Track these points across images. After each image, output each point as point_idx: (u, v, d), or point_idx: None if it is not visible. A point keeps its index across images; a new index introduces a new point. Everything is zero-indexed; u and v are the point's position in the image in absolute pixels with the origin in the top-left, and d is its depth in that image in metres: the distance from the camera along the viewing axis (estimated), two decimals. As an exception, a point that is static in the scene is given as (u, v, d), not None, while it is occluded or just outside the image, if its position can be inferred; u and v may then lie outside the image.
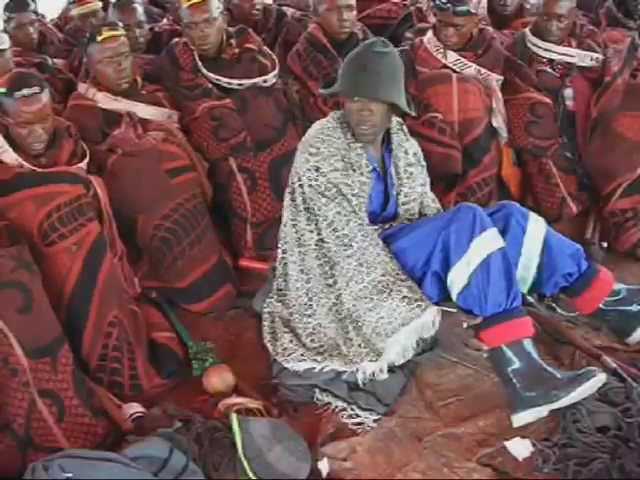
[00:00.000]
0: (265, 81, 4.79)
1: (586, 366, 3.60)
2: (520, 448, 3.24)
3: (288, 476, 3.17)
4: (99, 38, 4.44)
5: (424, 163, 3.98)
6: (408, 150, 3.86)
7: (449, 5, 4.85)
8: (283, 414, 3.55)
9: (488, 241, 3.44)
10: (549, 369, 3.37)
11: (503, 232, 3.61)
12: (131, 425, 3.52)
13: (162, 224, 4.22)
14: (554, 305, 4.09)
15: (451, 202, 4.80)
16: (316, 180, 3.66)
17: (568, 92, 5.08)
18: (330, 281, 3.68)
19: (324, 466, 3.24)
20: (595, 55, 5.09)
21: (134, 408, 3.61)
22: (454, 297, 3.53)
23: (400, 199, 3.82)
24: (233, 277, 4.43)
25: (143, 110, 4.60)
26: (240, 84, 4.76)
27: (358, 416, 3.47)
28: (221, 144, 4.60)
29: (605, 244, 4.71)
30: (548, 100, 5.01)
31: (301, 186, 3.70)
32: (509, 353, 3.39)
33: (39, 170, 3.88)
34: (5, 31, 5.63)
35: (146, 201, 4.23)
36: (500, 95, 4.97)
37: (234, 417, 3.31)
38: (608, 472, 3.05)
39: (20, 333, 3.32)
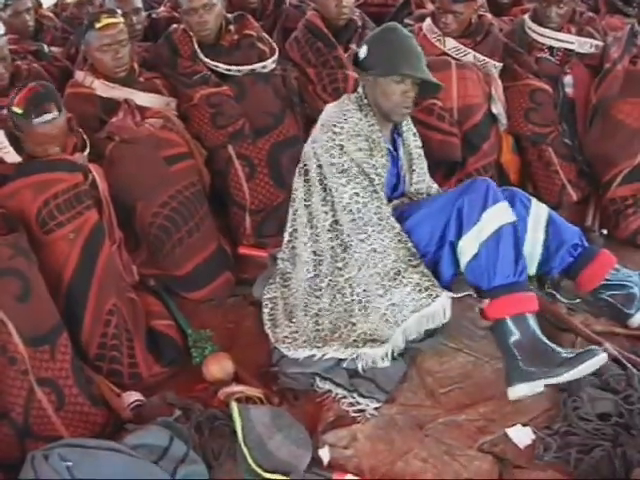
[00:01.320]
0: (264, 67, 4.77)
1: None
2: (521, 435, 3.23)
3: (289, 464, 3.16)
4: (97, 25, 4.42)
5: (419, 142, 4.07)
6: (416, 133, 3.98)
7: None
8: (283, 402, 3.54)
9: (501, 213, 3.49)
10: (552, 345, 3.39)
11: None
12: (130, 414, 3.50)
13: (160, 212, 4.21)
14: (554, 292, 4.08)
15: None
16: (340, 157, 3.67)
17: (568, 79, 5.06)
18: (340, 264, 3.71)
19: (325, 454, 3.23)
20: (595, 42, 5.08)
21: (133, 396, 3.60)
22: (462, 266, 3.57)
23: (413, 179, 3.91)
24: (232, 265, 4.41)
25: (141, 97, 4.58)
26: (239, 70, 4.75)
27: (359, 404, 3.45)
28: (219, 131, 4.59)
29: (605, 231, 4.69)
30: (547, 87, 5.00)
31: (320, 166, 3.73)
32: (512, 326, 3.42)
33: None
34: (1, 18, 5.61)
35: (144, 188, 4.21)
36: (499, 82, 4.97)
37: (234, 405, 3.30)
38: (610, 459, 3.04)
39: (18, 321, 3.30)
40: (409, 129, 3.96)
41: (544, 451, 3.13)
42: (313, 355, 3.61)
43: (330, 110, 3.83)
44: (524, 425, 3.28)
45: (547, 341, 3.41)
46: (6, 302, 3.29)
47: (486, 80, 4.91)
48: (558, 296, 4.07)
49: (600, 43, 5.08)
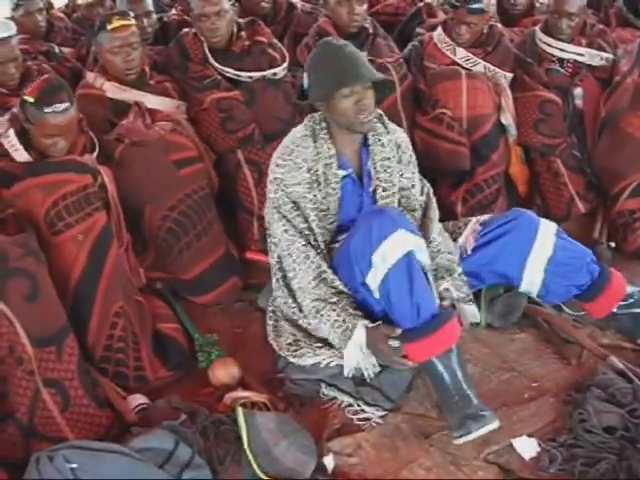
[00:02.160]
0: (275, 74, 4.78)
1: (594, 365, 3.64)
2: (526, 447, 3.23)
3: (294, 471, 3.15)
4: (109, 27, 4.42)
5: (411, 154, 3.88)
6: (386, 143, 3.75)
7: (463, 3, 4.85)
8: (289, 408, 3.54)
9: (391, 250, 3.29)
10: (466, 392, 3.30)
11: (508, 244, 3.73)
12: (136, 417, 3.50)
13: (169, 215, 4.21)
14: (561, 304, 4.08)
15: (459, 199, 4.83)
16: (276, 193, 3.66)
17: (577, 91, 5.08)
18: (286, 293, 3.80)
19: (329, 461, 3.22)
20: (605, 55, 5.10)
21: (139, 399, 3.60)
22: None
23: (378, 194, 3.72)
24: (239, 269, 4.41)
25: (151, 100, 4.59)
26: (249, 77, 4.75)
27: (364, 412, 3.45)
28: (229, 136, 4.59)
29: (613, 244, 4.70)
30: (557, 98, 5.00)
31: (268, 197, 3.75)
32: (439, 366, 3.31)
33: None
34: (13, 18, 5.63)
35: (153, 192, 4.21)
36: (509, 92, 4.97)
37: (240, 410, 3.29)
38: (615, 473, 3.04)
39: (26, 321, 3.30)
40: (377, 141, 3.74)
41: (549, 463, 3.12)
42: (319, 363, 3.60)
43: (286, 138, 3.76)
44: (529, 436, 3.27)
45: (464, 386, 3.31)
46: (15, 302, 3.29)
47: (496, 91, 4.92)
48: (564, 308, 4.06)
49: (610, 56, 5.10)
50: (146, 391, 3.70)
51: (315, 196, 3.64)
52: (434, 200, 3.94)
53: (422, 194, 3.88)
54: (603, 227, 4.83)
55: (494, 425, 3.18)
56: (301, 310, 3.67)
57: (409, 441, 3.32)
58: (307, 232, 3.62)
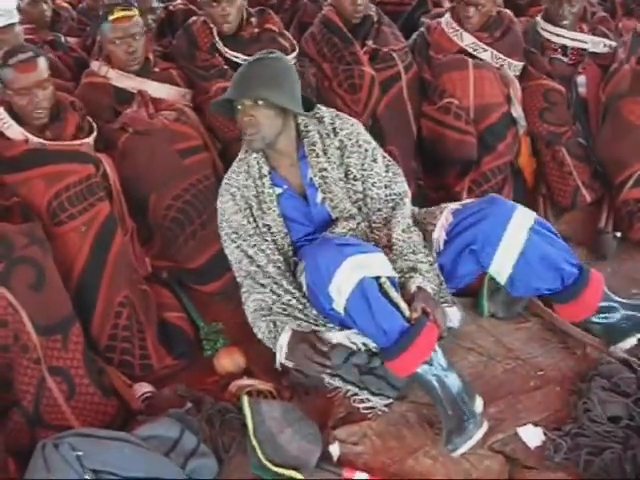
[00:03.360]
0: (284, 62, 4.74)
1: (599, 355, 3.61)
2: (532, 436, 3.23)
3: (299, 459, 3.16)
4: (110, 18, 4.43)
5: (367, 148, 3.74)
6: (322, 152, 3.69)
7: None
8: (294, 397, 3.55)
9: (341, 284, 3.26)
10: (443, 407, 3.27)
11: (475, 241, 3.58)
12: (141, 405, 3.53)
13: (174, 204, 4.21)
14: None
15: (464, 188, 4.80)
16: (221, 223, 3.75)
17: (581, 79, 5.06)
18: None
19: (335, 450, 3.23)
20: (608, 42, 5.09)
21: (144, 388, 3.62)
22: None
23: (329, 206, 3.70)
24: (245, 258, 4.38)
25: (156, 88, 4.59)
26: (259, 63, 4.73)
27: (369, 400, 3.44)
28: (234, 125, 4.53)
29: (619, 234, 4.66)
30: (561, 87, 4.99)
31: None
32: (424, 376, 3.29)
33: (48, 147, 3.90)
34: (19, 8, 5.62)
35: (158, 181, 4.22)
36: (518, 84, 4.95)
37: (245, 399, 3.30)
38: (620, 462, 3.03)
39: (32, 310, 3.33)
40: (312, 151, 3.68)
41: (554, 452, 3.12)
42: None
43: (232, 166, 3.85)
44: (535, 425, 3.27)
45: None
46: (20, 290, 3.31)
47: (504, 82, 4.91)
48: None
49: (613, 43, 5.09)
50: (151, 380, 3.72)
51: (250, 222, 3.68)
52: (404, 192, 3.80)
53: (387, 187, 3.75)
54: (609, 216, 4.79)
55: (479, 433, 3.17)
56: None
57: (415, 430, 3.32)
58: (246, 262, 3.67)
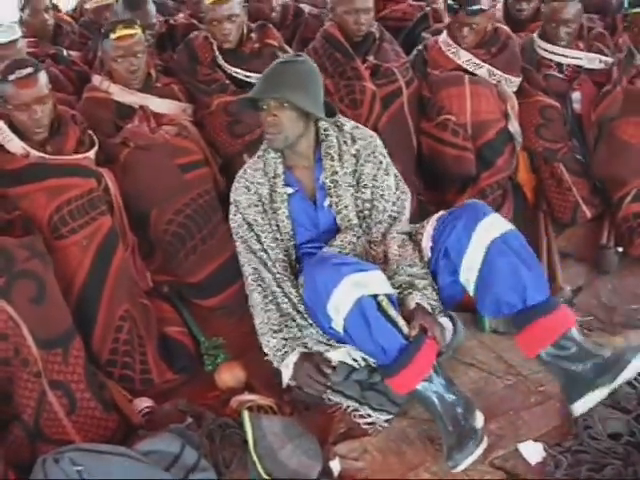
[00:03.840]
0: (285, 78, 4.75)
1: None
2: (532, 452, 3.22)
3: (299, 474, 3.15)
4: (113, 36, 4.43)
5: (382, 160, 3.78)
6: (338, 156, 3.73)
7: (461, 6, 4.88)
8: (295, 412, 3.54)
9: (339, 303, 3.26)
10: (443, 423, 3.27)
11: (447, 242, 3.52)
12: (142, 420, 3.51)
13: (175, 219, 4.21)
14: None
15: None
16: (234, 215, 3.80)
17: (576, 95, 5.09)
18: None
19: (335, 465, 3.22)
20: (604, 58, 5.11)
21: (145, 403, 3.61)
22: None
23: (333, 209, 3.73)
24: (246, 273, 4.38)
25: (157, 103, 4.60)
26: (259, 78, 4.72)
27: (370, 416, 3.45)
28: (236, 140, 4.60)
29: (620, 249, 4.66)
30: (557, 103, 5.02)
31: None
32: (424, 393, 3.29)
33: (50, 161, 3.90)
34: (21, 19, 5.65)
35: (159, 195, 4.22)
36: (515, 100, 4.97)
37: (246, 414, 3.29)
38: (620, 478, 3.02)
39: (32, 323, 3.31)
40: (327, 154, 3.73)
41: (555, 468, 3.11)
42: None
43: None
44: (535, 441, 3.26)
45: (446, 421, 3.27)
46: (21, 304, 3.30)
47: (502, 98, 4.92)
48: (571, 313, 4.07)
49: (609, 59, 5.11)
50: (152, 394, 3.71)
51: (263, 218, 3.73)
52: (406, 212, 3.83)
53: (394, 203, 3.78)
54: (610, 232, 4.80)
55: (479, 450, 3.16)
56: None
57: (415, 445, 3.32)
58: (261, 253, 3.71)
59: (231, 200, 3.83)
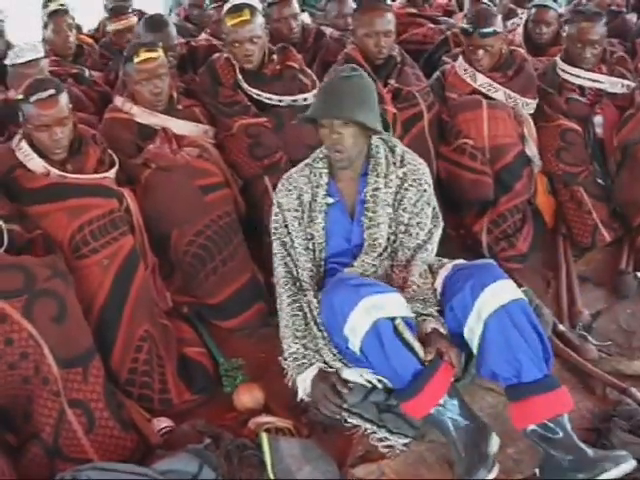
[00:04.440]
0: (305, 99, 4.77)
1: (618, 395, 3.62)
2: (550, 477, 3.21)
3: (317, 496, 3.15)
4: (136, 60, 4.45)
5: (425, 189, 3.75)
6: (384, 174, 3.72)
7: (475, 29, 4.92)
8: (313, 434, 3.54)
9: (356, 324, 3.28)
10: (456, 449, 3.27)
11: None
12: (160, 439, 3.52)
13: (195, 240, 4.24)
14: (586, 334, 4.09)
15: (483, 228, 4.81)
16: (276, 216, 3.81)
17: (598, 119, 5.12)
18: None
19: (353, 488, 3.22)
20: (626, 82, 5.14)
21: (163, 422, 3.62)
22: None
23: (364, 224, 3.71)
24: (265, 295, 4.38)
25: (179, 125, 4.61)
26: (280, 100, 4.78)
27: (388, 439, 3.43)
28: (256, 162, 4.61)
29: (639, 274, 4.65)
30: (578, 127, 5.05)
31: None
32: (438, 417, 3.28)
33: (71, 180, 3.93)
34: (44, 38, 5.69)
35: (180, 217, 4.24)
36: (532, 123, 4.98)
37: (264, 435, 3.30)
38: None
39: (53, 342, 3.33)
40: (374, 171, 3.72)
41: (574, 493, 3.10)
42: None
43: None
44: (554, 466, 3.24)
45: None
46: (42, 322, 3.32)
47: (518, 121, 4.93)
48: (589, 338, 4.06)
49: (632, 83, 5.14)
50: (171, 414, 3.72)
51: (300, 224, 3.73)
52: (433, 241, 3.79)
53: (426, 234, 3.77)
54: (629, 257, 4.80)
55: (496, 470, 3.14)
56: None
57: (433, 469, 3.31)
58: (289, 260, 3.74)
59: (274, 202, 3.83)
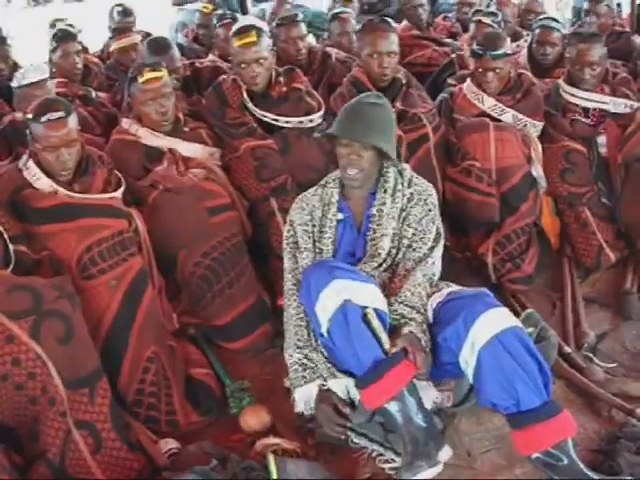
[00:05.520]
0: (311, 121, 4.80)
1: (623, 419, 3.62)
2: (557, 498, 3.21)
3: (324, 518, 3.15)
4: (141, 80, 4.47)
5: (431, 209, 3.76)
6: (391, 192, 3.75)
7: (485, 50, 4.92)
8: (319, 456, 3.54)
9: (326, 303, 3.34)
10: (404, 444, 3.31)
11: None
12: (167, 461, 3.51)
13: (202, 262, 4.25)
14: (591, 355, 4.09)
15: (488, 250, 4.81)
16: (287, 232, 3.83)
17: (602, 139, 5.13)
18: None
19: (360, 509, 3.22)
20: (629, 102, 5.15)
21: (170, 444, 3.61)
22: None
23: (368, 237, 3.73)
24: (271, 316, 4.39)
25: (185, 147, 4.62)
26: (287, 122, 4.79)
27: (394, 461, 3.42)
28: (261, 184, 4.62)
29: (645, 295, 4.65)
30: (582, 148, 5.06)
31: None
32: (391, 409, 3.32)
33: (80, 200, 3.95)
34: (51, 60, 5.72)
35: (187, 238, 4.26)
36: (539, 144, 5.00)
37: (271, 457, 3.30)
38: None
39: (60, 363, 3.34)
40: (382, 190, 3.76)
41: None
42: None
43: None
44: (559, 488, 3.24)
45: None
46: (49, 343, 3.33)
47: (525, 142, 4.95)
48: (595, 359, 4.06)
49: (635, 104, 5.14)
50: (177, 436, 3.71)
51: (310, 237, 3.75)
52: (434, 255, 3.75)
53: (429, 249, 3.76)
54: (635, 277, 4.81)
55: (437, 469, 3.18)
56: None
57: (440, 492, 3.31)
58: (298, 272, 3.72)
59: (287, 220, 3.86)
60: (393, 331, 3.41)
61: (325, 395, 3.49)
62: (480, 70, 5.01)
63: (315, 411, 3.50)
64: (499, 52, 4.92)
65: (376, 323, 3.31)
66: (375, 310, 3.34)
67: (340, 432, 3.46)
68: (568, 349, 4.10)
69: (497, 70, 4.96)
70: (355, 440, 3.52)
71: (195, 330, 4.34)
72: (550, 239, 5.01)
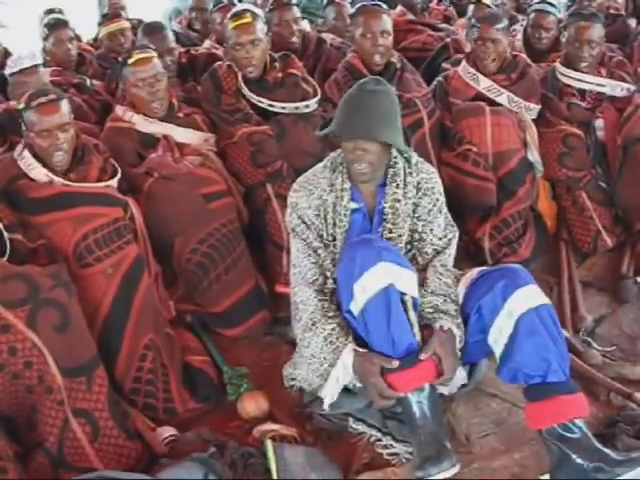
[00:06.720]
0: (307, 106, 4.79)
1: (621, 403, 3.62)
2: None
3: (322, 503, 3.15)
4: (130, 61, 4.46)
5: (438, 197, 3.76)
6: (402, 184, 3.69)
7: (486, 20, 5.01)
8: (318, 442, 3.54)
9: (368, 283, 3.29)
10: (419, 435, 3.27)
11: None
12: (165, 448, 3.52)
13: (198, 248, 4.23)
14: (589, 339, 4.09)
15: (485, 234, 4.82)
16: (290, 216, 3.72)
17: (599, 123, 5.14)
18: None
19: (358, 495, 3.21)
20: (626, 85, 5.15)
21: (168, 431, 3.62)
22: None
23: (384, 235, 3.67)
24: (268, 303, 4.39)
25: (180, 133, 4.60)
26: (283, 107, 4.77)
27: (392, 447, 3.43)
28: (258, 170, 4.60)
29: (640, 279, 4.66)
30: (580, 132, 5.05)
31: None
32: (412, 402, 3.28)
33: (76, 189, 3.93)
34: (44, 49, 5.70)
35: (183, 225, 4.25)
36: (534, 128, 4.99)
37: (269, 443, 3.30)
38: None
39: (56, 351, 3.34)
40: (393, 182, 3.67)
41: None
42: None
43: (311, 169, 3.83)
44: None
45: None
46: (45, 332, 3.33)
47: (521, 126, 4.94)
48: (593, 344, 4.06)
49: (632, 87, 5.15)
50: (175, 423, 3.71)
51: (321, 224, 3.67)
52: (451, 248, 3.78)
53: (441, 239, 3.76)
54: (631, 262, 4.80)
55: (453, 471, 3.13)
56: None
57: (438, 476, 3.31)
58: (318, 250, 3.65)
59: (288, 202, 3.75)
60: (426, 323, 3.41)
61: (366, 361, 3.32)
62: (479, 42, 5.02)
63: (363, 382, 3.37)
64: (499, 24, 4.97)
65: (412, 313, 3.30)
66: (412, 299, 3.33)
67: (383, 405, 3.37)
68: (566, 333, 4.08)
69: (496, 42, 4.97)
70: (353, 425, 3.53)
71: (192, 317, 4.32)
72: (547, 223, 5.02)
